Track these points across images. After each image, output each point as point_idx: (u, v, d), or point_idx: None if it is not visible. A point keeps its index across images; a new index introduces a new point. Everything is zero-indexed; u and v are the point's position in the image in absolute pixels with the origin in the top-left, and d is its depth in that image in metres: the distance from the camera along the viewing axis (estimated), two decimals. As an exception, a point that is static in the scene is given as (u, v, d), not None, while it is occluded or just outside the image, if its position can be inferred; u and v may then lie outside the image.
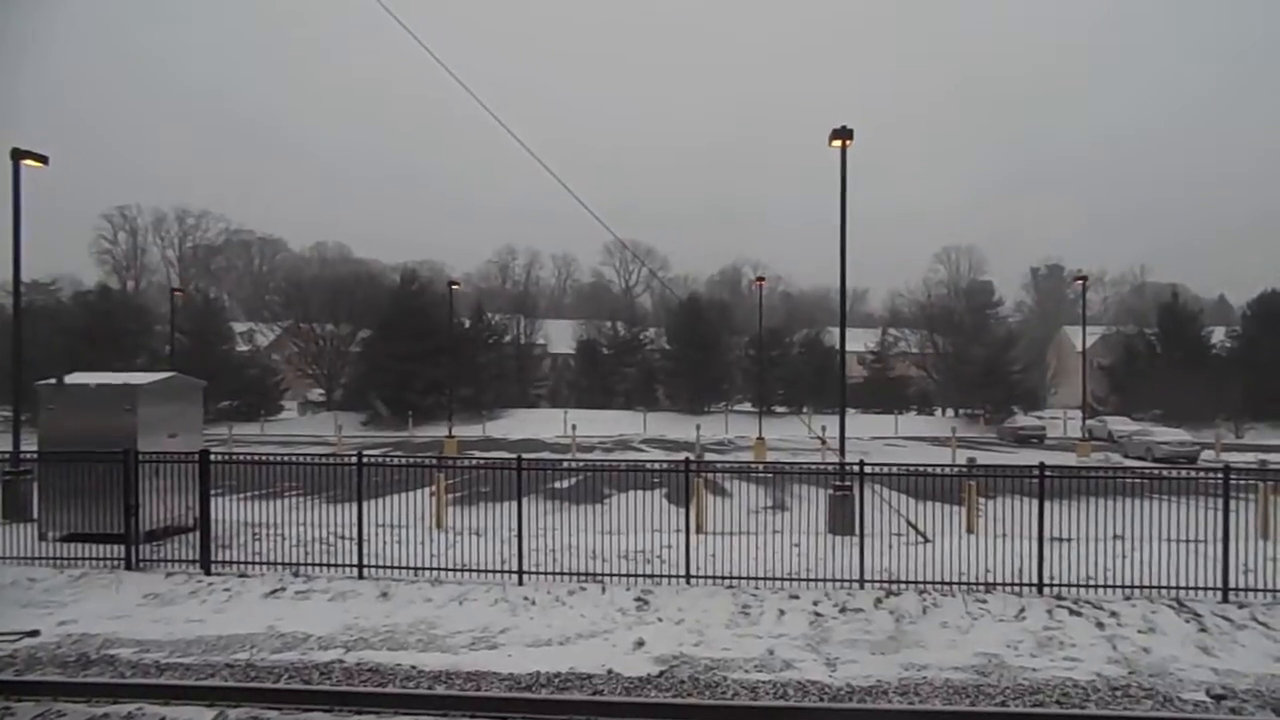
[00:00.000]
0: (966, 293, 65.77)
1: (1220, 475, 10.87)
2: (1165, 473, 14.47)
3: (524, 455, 12.39)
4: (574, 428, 37.89)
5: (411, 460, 13.26)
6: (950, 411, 59.33)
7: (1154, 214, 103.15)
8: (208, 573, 11.12)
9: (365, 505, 11.29)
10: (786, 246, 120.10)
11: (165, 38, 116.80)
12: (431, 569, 10.94)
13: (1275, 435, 45.78)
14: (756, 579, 10.41)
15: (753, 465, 19.90)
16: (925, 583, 10.16)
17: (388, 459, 13.39)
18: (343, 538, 11.70)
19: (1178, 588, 9.96)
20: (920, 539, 12.99)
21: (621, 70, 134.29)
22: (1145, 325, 58.27)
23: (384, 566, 11.01)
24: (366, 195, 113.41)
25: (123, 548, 11.39)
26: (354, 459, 11.43)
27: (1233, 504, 10.77)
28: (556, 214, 63.43)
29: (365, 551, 11.07)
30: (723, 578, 10.47)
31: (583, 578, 10.61)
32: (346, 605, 9.73)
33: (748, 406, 57.31)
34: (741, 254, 79.45)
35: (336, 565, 11.08)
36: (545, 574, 10.72)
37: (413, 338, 50.79)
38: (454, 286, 46.30)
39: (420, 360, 49.85)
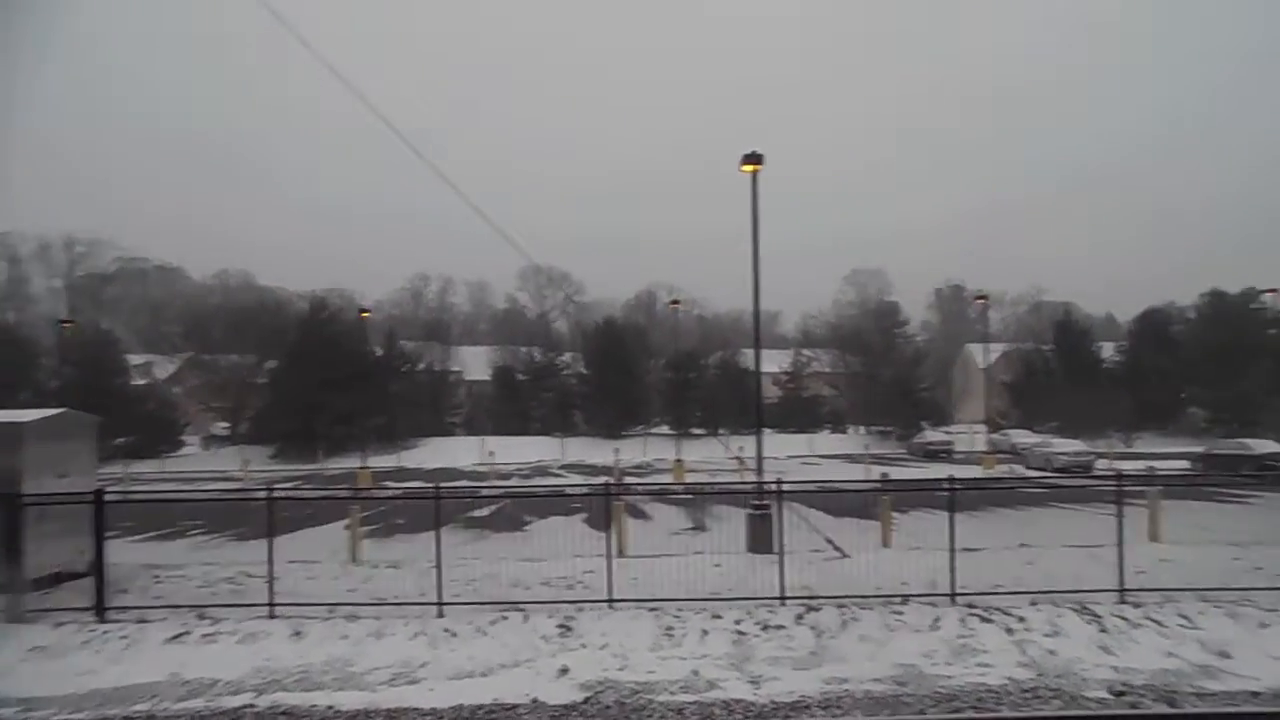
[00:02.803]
0: (875, 314, 67.78)
1: (1113, 483, 11.44)
2: (1063, 482, 15.13)
3: (442, 484, 12.16)
4: (492, 454, 37.38)
5: (326, 493, 12.87)
6: (862, 429, 60.89)
7: (1054, 236, 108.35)
8: (102, 620, 10.50)
9: (276, 541, 10.87)
10: (701, 270, 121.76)
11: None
12: (347, 604, 10.59)
13: (1161, 443, 48.47)
14: (679, 600, 10.42)
15: (672, 487, 20.01)
16: (844, 597, 10.34)
17: (300, 492, 12.96)
18: (252, 576, 11.23)
19: (1079, 591, 10.37)
20: (838, 554, 13.25)
21: (547, 97, 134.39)
22: (1042, 342, 61.20)
23: (297, 604, 10.59)
24: (271, 221, 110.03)
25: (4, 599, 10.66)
26: (263, 493, 11.02)
27: (1125, 510, 11.35)
28: (471, 239, 62.93)
29: (276, 589, 10.64)
30: (645, 600, 10.45)
31: (504, 607, 10.43)
32: (257, 647, 9.32)
33: (666, 429, 57.62)
34: (657, 278, 79.98)
35: (245, 605, 10.61)
36: (466, 605, 10.50)
37: (323, 367, 49.43)
38: (365, 315, 45.35)
39: (331, 390, 48.52)
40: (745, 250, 15.53)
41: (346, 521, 14.04)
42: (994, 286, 65.79)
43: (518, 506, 13.88)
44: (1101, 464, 33.44)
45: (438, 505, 10.93)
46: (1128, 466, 26.66)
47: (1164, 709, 7.20)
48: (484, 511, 18.77)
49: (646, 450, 51.12)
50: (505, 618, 10.02)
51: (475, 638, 9.41)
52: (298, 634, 9.64)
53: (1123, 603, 10.16)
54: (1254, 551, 12.22)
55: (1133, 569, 10.63)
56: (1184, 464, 32.77)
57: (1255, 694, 7.64)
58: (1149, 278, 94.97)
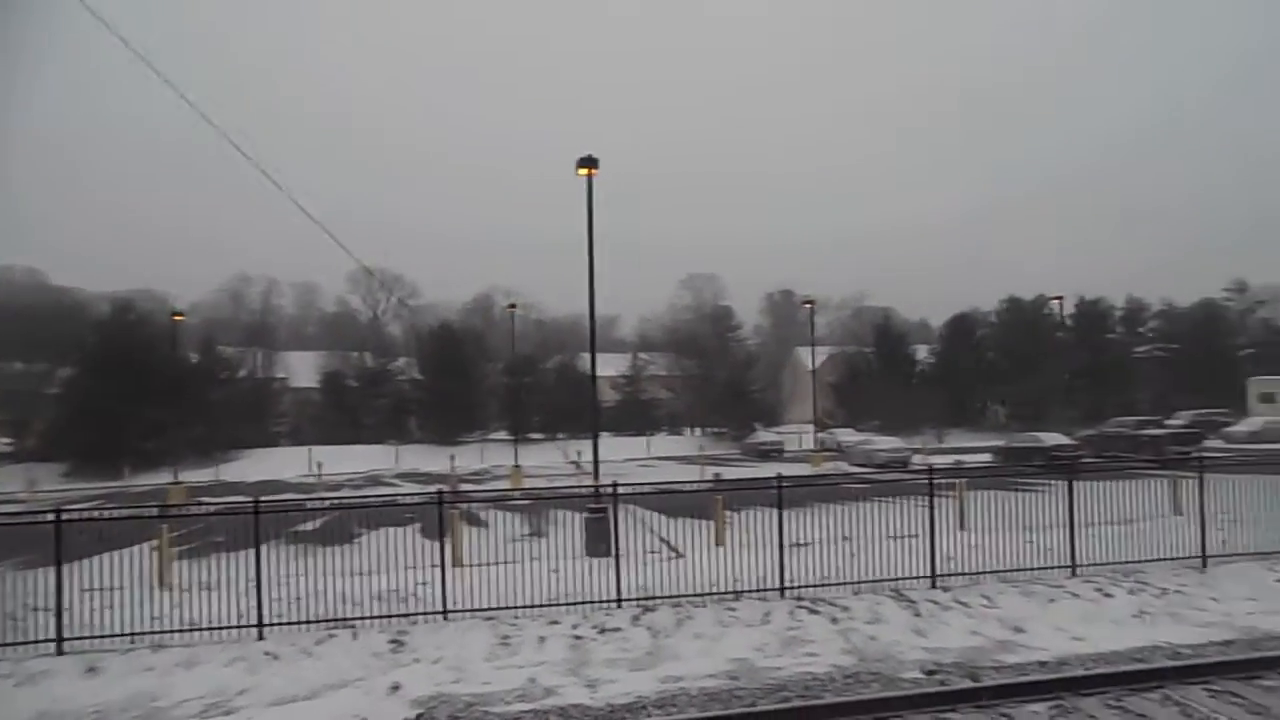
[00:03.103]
0: (710, 318, 69.79)
1: (926, 477, 12.26)
2: (882, 477, 16.02)
3: (263, 498, 11.41)
4: (320, 465, 35.61)
5: (130, 512, 11.78)
6: (698, 431, 62.53)
7: (874, 242, 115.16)
8: None
9: (67, 568, 9.83)
10: (540, 273, 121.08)
11: None
12: (153, 633, 9.72)
13: (969, 438, 52.57)
14: (516, 608, 10.27)
15: (510, 493, 19.74)
16: (679, 596, 10.52)
17: (97, 513, 11.80)
18: (36, 609, 10.09)
19: (896, 579, 11.05)
20: (673, 554, 13.47)
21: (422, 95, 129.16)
22: (864, 345, 65.04)
23: (91, 637, 9.61)
24: (66, 215, 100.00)
25: None
26: (50, 516, 9.95)
27: (937, 501, 12.19)
28: (296, 240, 59.76)
29: (66, 622, 9.61)
30: (481, 610, 10.22)
31: (332, 624, 9.92)
32: (39, 689, 8.37)
33: (504, 435, 56.94)
34: (495, 281, 78.62)
35: (27, 643, 9.52)
36: (290, 624, 9.90)
37: (129, 375, 45.45)
38: (178, 318, 42.12)
39: (139, 400, 44.67)
40: (586, 254, 15.56)
41: (154, 542, 12.91)
42: (821, 292, 69.30)
43: (347, 518, 13.23)
44: (917, 459, 35.88)
45: (256, 520, 10.25)
46: (939, 461, 28.73)
47: (968, 684, 7.74)
48: (311, 525, 17.78)
49: (484, 457, 50.32)
50: (333, 636, 9.53)
51: (300, 659, 8.88)
52: (92, 670, 8.75)
53: (934, 587, 10.90)
54: (1042, 534, 13.38)
55: (943, 556, 11.42)
56: (987, 457, 35.69)
57: (1043, 663, 8.39)
58: (960, 284, 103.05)
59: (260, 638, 9.61)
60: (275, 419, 59.87)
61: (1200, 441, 36.45)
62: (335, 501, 11.96)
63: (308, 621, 9.98)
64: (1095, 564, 11.50)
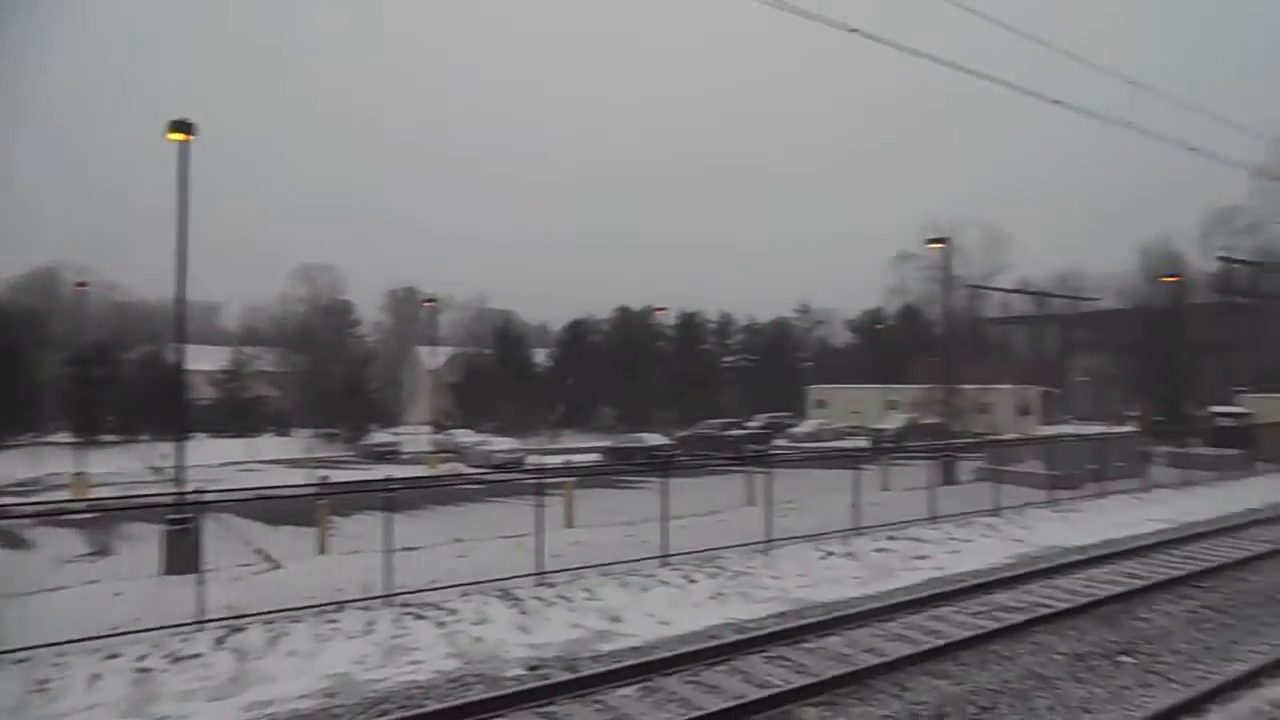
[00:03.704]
0: (326, 311, 65.83)
1: (536, 477, 12.61)
2: (495, 477, 16.20)
3: None
4: None
5: None
6: (309, 431, 58.57)
7: (491, 244, 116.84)
8: None
9: None
10: (126, 249, 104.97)
11: None
12: None
13: (581, 439, 55.61)
14: (60, 645, 8.50)
15: (69, 506, 16.72)
16: (274, 612, 9.60)
17: None
18: None
19: (505, 578, 11.16)
20: (270, 566, 12.35)
21: None
22: (485, 347, 65.79)
23: None
24: None
25: None
26: None
27: (548, 500, 12.59)
28: None
29: None
30: (7, 652, 8.37)
31: None
32: None
33: (67, 437, 48.35)
34: (60, 254, 66.39)
35: None
36: None
37: None
38: None
39: None
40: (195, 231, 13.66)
41: None
42: (445, 291, 68.93)
43: None
44: (532, 459, 37.08)
45: None
46: (552, 461, 29.98)
47: (567, 675, 8.04)
48: None
49: (38, 463, 42.25)
50: None
51: None
52: None
53: (540, 584, 11.19)
54: (641, 528, 14.47)
55: (550, 553, 11.79)
56: (596, 457, 38.02)
57: (635, 648, 9.02)
58: (581, 290, 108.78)
59: None
60: None
61: (770, 441, 42.38)
62: None
63: None
64: (684, 553, 12.64)
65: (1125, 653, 8.73)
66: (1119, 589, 11.09)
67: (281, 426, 59.51)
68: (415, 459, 41.45)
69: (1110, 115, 16.56)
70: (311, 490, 13.75)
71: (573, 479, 17.60)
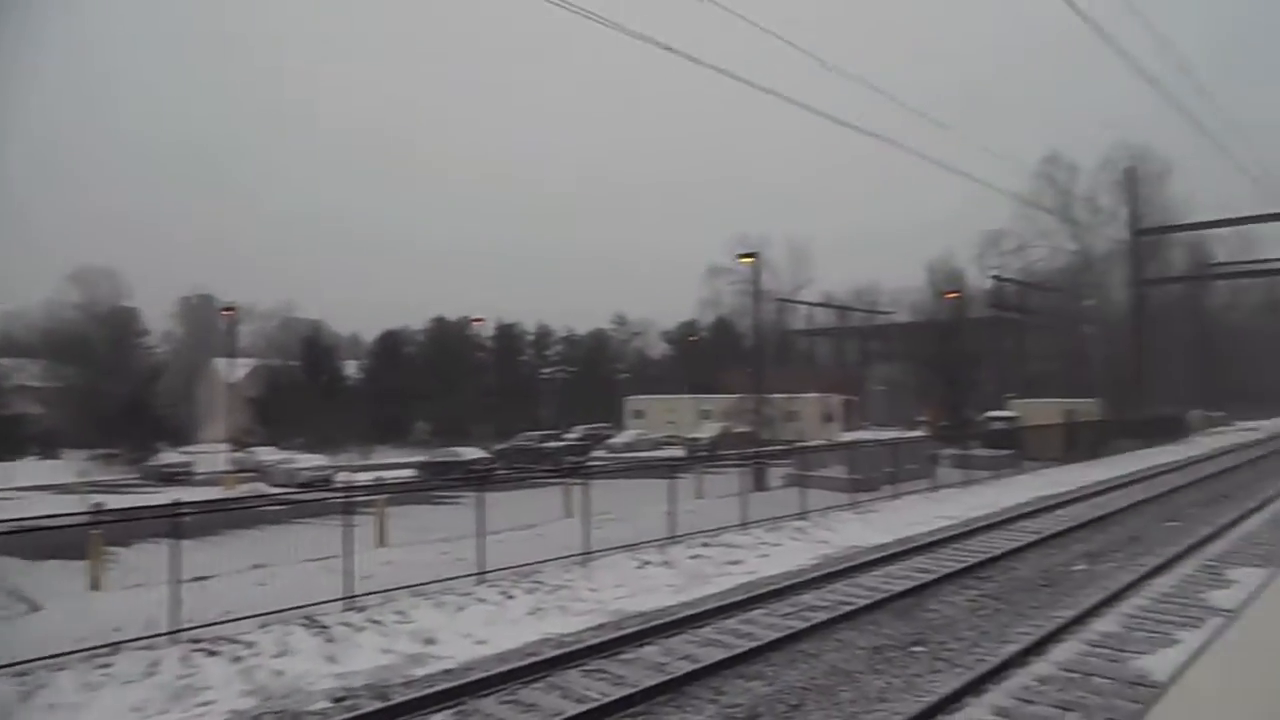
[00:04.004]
0: (106, 320, 59.86)
1: (345, 495, 11.96)
2: (299, 497, 15.30)
3: None
4: None
5: None
6: (84, 453, 52.83)
7: (298, 250, 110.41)
8: None
9: None
10: None
11: None
12: None
13: (395, 454, 53.58)
14: None
15: None
16: (26, 662, 8.44)
17: None
18: None
19: (310, 605, 10.48)
20: (27, 608, 10.95)
21: None
22: (290, 358, 62.11)
23: None
24: None
25: None
26: None
27: (357, 518, 11.96)
28: None
29: None
30: None
31: None
32: None
33: None
34: None
35: None
36: None
37: None
38: None
39: None
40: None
41: None
42: (245, 299, 64.56)
43: None
44: (341, 477, 35.30)
45: None
46: (363, 478, 28.63)
47: (377, 705, 7.63)
48: None
49: None
50: None
51: None
52: None
53: (349, 609, 10.59)
54: (458, 545, 14.05)
55: (361, 575, 11.20)
56: (411, 472, 36.74)
57: (449, 670, 8.71)
58: (388, 299, 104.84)
59: None
60: None
61: (589, 452, 42.61)
62: None
63: None
64: (501, 568, 12.37)
65: (917, 643, 9.38)
66: (911, 584, 11.92)
67: (48, 448, 53.30)
68: (211, 480, 38.38)
69: (898, 140, 18.04)
70: (83, 519, 12.25)
71: (385, 496, 16.89)
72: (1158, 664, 8.15)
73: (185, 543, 10.04)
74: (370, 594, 11.03)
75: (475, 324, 64.06)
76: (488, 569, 12.23)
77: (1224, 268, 62.42)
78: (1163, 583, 11.82)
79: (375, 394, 58.42)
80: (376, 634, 9.81)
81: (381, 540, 15.56)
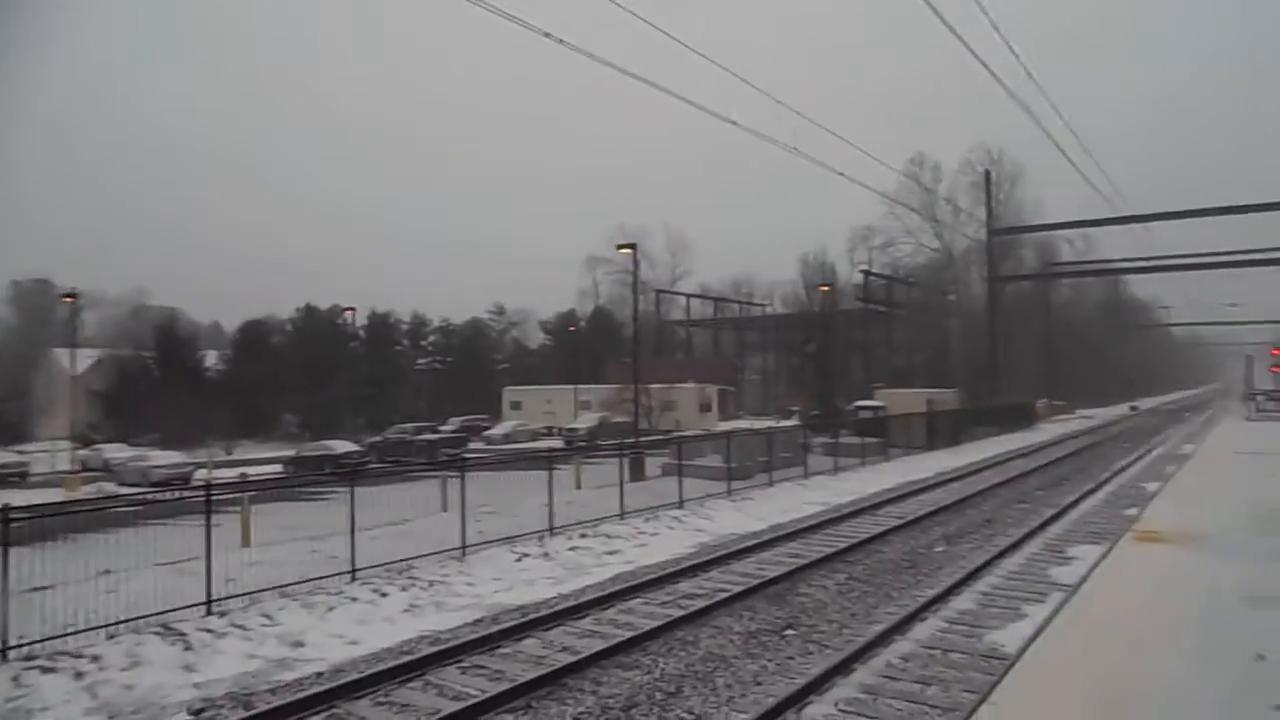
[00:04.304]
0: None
1: (204, 494, 11.29)
2: (153, 497, 14.44)
3: None
4: None
5: None
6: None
7: (154, 233, 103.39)
8: None
9: None
10: None
11: None
12: None
13: (260, 450, 51.12)
14: None
15: None
16: None
17: None
18: None
19: (164, 612, 9.85)
20: None
21: None
22: (143, 349, 58.11)
23: None
24: None
25: None
26: None
27: (219, 518, 11.33)
28: None
29: None
30: None
31: None
32: None
33: None
34: None
35: None
36: None
37: None
38: None
39: None
40: None
41: None
42: (91, 285, 60.04)
43: None
44: (201, 474, 33.40)
45: None
46: (226, 475, 27.18)
47: (240, 714, 7.26)
48: None
49: None
50: None
51: None
52: None
53: (209, 614, 10.04)
54: (329, 542, 13.54)
55: (223, 578, 10.63)
56: (278, 468, 35.14)
57: (320, 674, 8.38)
58: (253, 288, 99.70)
59: None
60: None
61: (466, 444, 41.85)
62: None
63: None
64: (374, 565, 11.99)
65: (790, 626, 9.67)
66: (784, 569, 12.28)
67: None
68: (50, 480, 35.53)
69: (781, 139, 18.57)
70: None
71: (250, 493, 16.09)
72: (1008, 638, 8.73)
73: (18, 550, 9.25)
74: (233, 597, 10.49)
75: (346, 313, 61.72)
76: (360, 566, 11.84)
77: (1068, 267, 67.34)
78: (1013, 562, 12.65)
79: (239, 386, 55.39)
80: (240, 639, 9.33)
81: (246, 540, 14.83)
